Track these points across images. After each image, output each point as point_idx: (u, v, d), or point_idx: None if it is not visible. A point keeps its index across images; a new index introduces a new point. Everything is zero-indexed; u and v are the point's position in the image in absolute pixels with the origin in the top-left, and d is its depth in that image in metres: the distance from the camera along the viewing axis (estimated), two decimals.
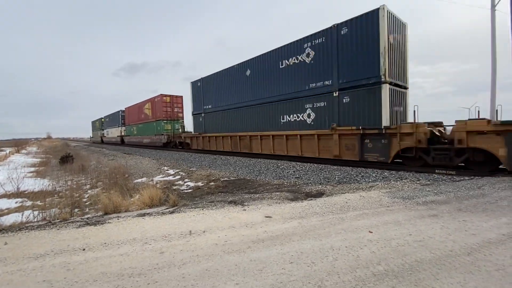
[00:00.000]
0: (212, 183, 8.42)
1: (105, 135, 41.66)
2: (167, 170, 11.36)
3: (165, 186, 8.53)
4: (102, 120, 43.17)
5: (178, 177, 9.93)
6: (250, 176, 9.13)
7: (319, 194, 5.80)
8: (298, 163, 10.17)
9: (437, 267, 2.24)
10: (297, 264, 2.34)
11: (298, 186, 7.00)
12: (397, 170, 7.50)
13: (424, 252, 2.51)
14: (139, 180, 10.13)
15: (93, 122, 51.25)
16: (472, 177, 6.17)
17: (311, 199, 5.14)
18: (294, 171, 9.10)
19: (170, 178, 9.96)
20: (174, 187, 8.55)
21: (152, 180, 9.56)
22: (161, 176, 10.41)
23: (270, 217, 3.79)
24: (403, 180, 6.35)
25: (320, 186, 6.68)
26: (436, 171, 6.93)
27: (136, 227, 3.44)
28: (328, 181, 7.33)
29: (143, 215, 4.19)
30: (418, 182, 6.13)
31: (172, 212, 4.31)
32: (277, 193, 6.17)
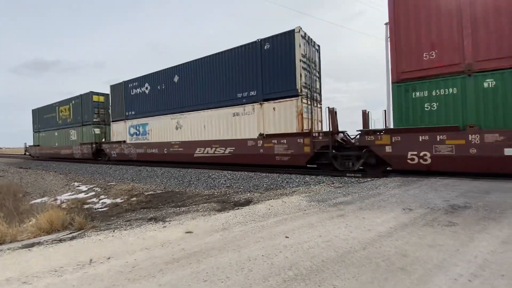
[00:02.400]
0: (134, 199, 7.62)
1: None
2: (78, 186, 9.78)
3: (73, 206, 7.28)
4: None
5: (92, 193, 8.65)
6: (179, 188, 8.65)
7: (247, 202, 5.87)
8: (229, 171, 10.17)
9: (339, 264, 2.47)
10: (211, 281, 2.24)
11: (228, 196, 6.95)
12: (317, 175, 8.26)
13: (330, 251, 2.75)
14: (39, 200, 8.40)
15: None
16: (372, 178, 7.26)
17: (238, 208, 5.14)
18: (225, 180, 9.04)
19: (82, 195, 8.58)
20: (86, 206, 7.39)
21: (56, 199, 8.04)
22: (69, 193, 8.87)
23: (191, 232, 3.60)
24: (321, 184, 7.02)
25: (248, 194, 6.78)
26: (347, 174, 7.92)
27: (15, 263, 2.75)
28: (257, 188, 7.52)
29: (32, 245, 3.41)
30: (332, 185, 6.87)
31: (72, 238, 3.65)
32: (205, 204, 5.98)
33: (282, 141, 9.42)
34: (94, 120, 18.50)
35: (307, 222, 3.80)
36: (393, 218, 3.80)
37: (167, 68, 13.51)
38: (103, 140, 18.43)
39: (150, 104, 14.33)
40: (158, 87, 13.83)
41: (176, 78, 13.01)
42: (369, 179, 7.25)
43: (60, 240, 3.58)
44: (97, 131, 18.58)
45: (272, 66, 9.77)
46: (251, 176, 9.09)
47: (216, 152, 11.13)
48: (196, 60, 12.18)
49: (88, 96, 18.73)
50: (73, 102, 20.20)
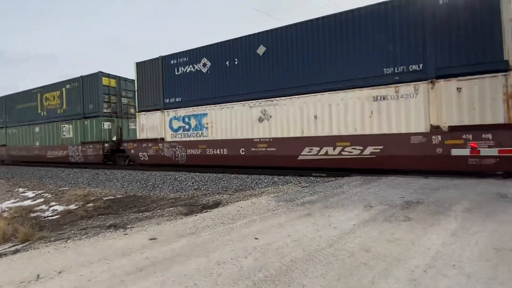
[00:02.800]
0: (91, 205, 7.04)
1: None
2: (24, 193, 8.74)
3: (17, 215, 6.47)
4: None
5: (41, 200, 7.79)
6: (142, 192, 8.19)
7: (216, 205, 5.74)
8: (197, 173, 9.88)
9: (307, 263, 2.51)
10: None
11: (195, 198, 6.74)
12: (285, 175, 8.40)
13: (299, 251, 2.79)
14: None
15: None
16: (336, 178, 7.60)
17: (206, 211, 5.00)
18: (193, 182, 8.77)
19: (28, 202, 7.68)
20: (33, 215, 6.63)
21: None
22: (12, 201, 7.87)
23: (155, 238, 3.39)
24: (288, 184, 7.16)
25: (217, 196, 6.66)
26: (313, 174, 8.18)
27: None
28: (226, 190, 7.41)
29: None
30: (299, 185, 7.04)
31: (16, 252, 3.21)
32: (171, 208, 5.72)
33: (485, 135, 6.40)
34: (105, 111, 13.71)
35: (276, 222, 3.82)
36: (356, 216, 4.00)
37: (243, 37, 9.63)
38: (114, 138, 13.84)
39: (211, 87, 10.22)
40: (227, 63, 9.88)
41: (261, 50, 9.26)
42: (333, 179, 7.58)
43: (2, 255, 3.13)
44: (107, 125, 13.70)
45: (453, 25, 6.80)
46: (220, 177, 8.94)
47: (343, 153, 7.92)
48: (300, 23, 8.75)
49: (96, 78, 13.57)
50: (67, 86, 14.90)
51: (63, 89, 15.32)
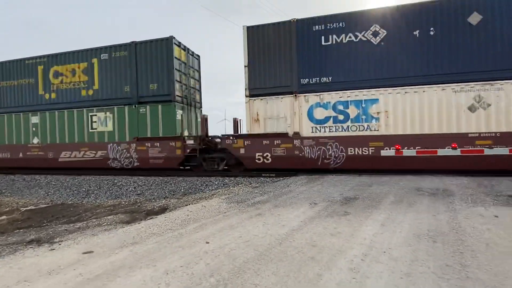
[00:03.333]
0: (4, 217, 5.90)
1: None
2: None
3: None
4: None
5: None
6: (73, 200, 7.23)
7: (162, 210, 5.41)
8: (140, 177, 9.16)
9: (259, 262, 2.55)
10: None
11: (139, 205, 6.24)
12: (235, 177, 8.42)
13: (250, 251, 2.81)
14: None
15: None
16: (284, 178, 7.95)
17: (152, 218, 4.66)
18: (135, 187, 8.10)
19: None
20: None
21: None
22: None
23: (91, 252, 3.01)
24: (239, 185, 7.19)
25: (164, 201, 6.28)
26: (263, 174, 8.40)
27: None
28: (173, 194, 7.05)
29: None
30: (250, 185, 7.14)
31: None
32: (109, 217, 5.17)
33: None
34: (177, 94, 9.88)
35: (228, 224, 3.79)
36: (303, 213, 4.24)
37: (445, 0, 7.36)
38: (186, 133, 10.21)
39: (385, 64, 7.75)
40: (416, 33, 7.53)
41: (475, 18, 7.12)
42: (281, 178, 7.91)
43: None
44: (179, 115, 10.03)
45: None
46: (167, 181, 8.46)
47: None
48: None
49: (166, 46, 9.61)
50: (103, 56, 10.25)
51: (94, 61, 10.21)
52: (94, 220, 5.03)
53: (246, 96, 8.84)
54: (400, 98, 7.64)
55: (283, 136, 8.45)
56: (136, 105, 9.91)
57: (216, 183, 7.74)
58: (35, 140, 11.20)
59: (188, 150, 9.31)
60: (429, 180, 6.65)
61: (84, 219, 5.29)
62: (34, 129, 11.17)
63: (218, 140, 9.55)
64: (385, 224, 3.53)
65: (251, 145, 8.67)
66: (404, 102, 7.59)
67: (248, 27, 8.73)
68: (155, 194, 7.20)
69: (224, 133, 10.09)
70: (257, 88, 8.72)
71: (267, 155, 8.52)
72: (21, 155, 11.20)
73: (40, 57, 11.10)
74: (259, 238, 3.18)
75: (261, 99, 8.71)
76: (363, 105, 7.92)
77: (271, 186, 6.79)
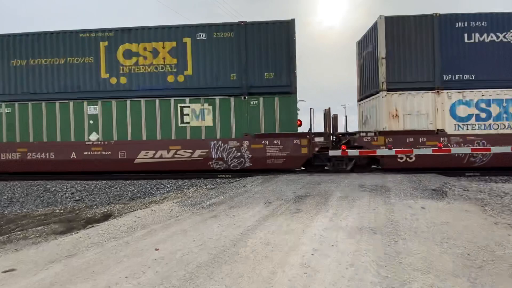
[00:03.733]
0: None
1: None
2: None
3: None
4: None
5: None
6: None
7: (105, 217, 4.93)
8: (79, 181, 8.17)
9: (213, 266, 2.48)
10: None
11: (77, 212, 5.58)
12: (189, 179, 8.11)
13: (204, 255, 2.72)
14: None
15: None
16: (240, 178, 7.95)
17: (92, 226, 4.20)
18: (73, 193, 7.25)
19: None
20: None
21: None
22: None
23: (12, 270, 2.56)
24: (194, 187, 6.96)
25: (108, 207, 5.75)
26: (219, 176, 8.27)
27: None
28: (119, 199, 6.50)
29: None
30: (205, 187, 6.96)
31: None
32: (39, 228, 4.51)
33: None
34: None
35: (180, 228, 3.62)
36: (258, 212, 4.29)
37: None
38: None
39: None
40: None
41: None
42: (237, 179, 7.89)
43: None
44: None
45: None
46: (111, 184, 7.73)
47: None
48: None
49: (288, 30, 8.41)
50: (199, 36, 8.48)
51: (187, 40, 8.36)
52: (19, 232, 4.33)
53: (382, 90, 8.21)
54: None
55: (428, 133, 8.09)
56: (246, 96, 8.38)
57: (168, 186, 7.37)
58: (93, 137, 8.56)
59: (317, 149, 8.34)
60: (369, 177, 7.37)
61: (4, 232, 4.51)
62: (91, 121, 8.59)
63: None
64: (332, 219, 3.78)
65: (393, 143, 8.00)
66: None
67: (386, 17, 8.25)
68: (97, 199, 6.54)
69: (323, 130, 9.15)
70: (396, 82, 8.25)
71: (410, 154, 7.91)
72: (74, 155, 8.40)
73: (103, 30, 8.59)
74: (213, 241, 3.10)
75: (400, 94, 8.24)
76: (504, 104, 8.04)
77: (227, 187, 6.73)
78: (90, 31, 8.65)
